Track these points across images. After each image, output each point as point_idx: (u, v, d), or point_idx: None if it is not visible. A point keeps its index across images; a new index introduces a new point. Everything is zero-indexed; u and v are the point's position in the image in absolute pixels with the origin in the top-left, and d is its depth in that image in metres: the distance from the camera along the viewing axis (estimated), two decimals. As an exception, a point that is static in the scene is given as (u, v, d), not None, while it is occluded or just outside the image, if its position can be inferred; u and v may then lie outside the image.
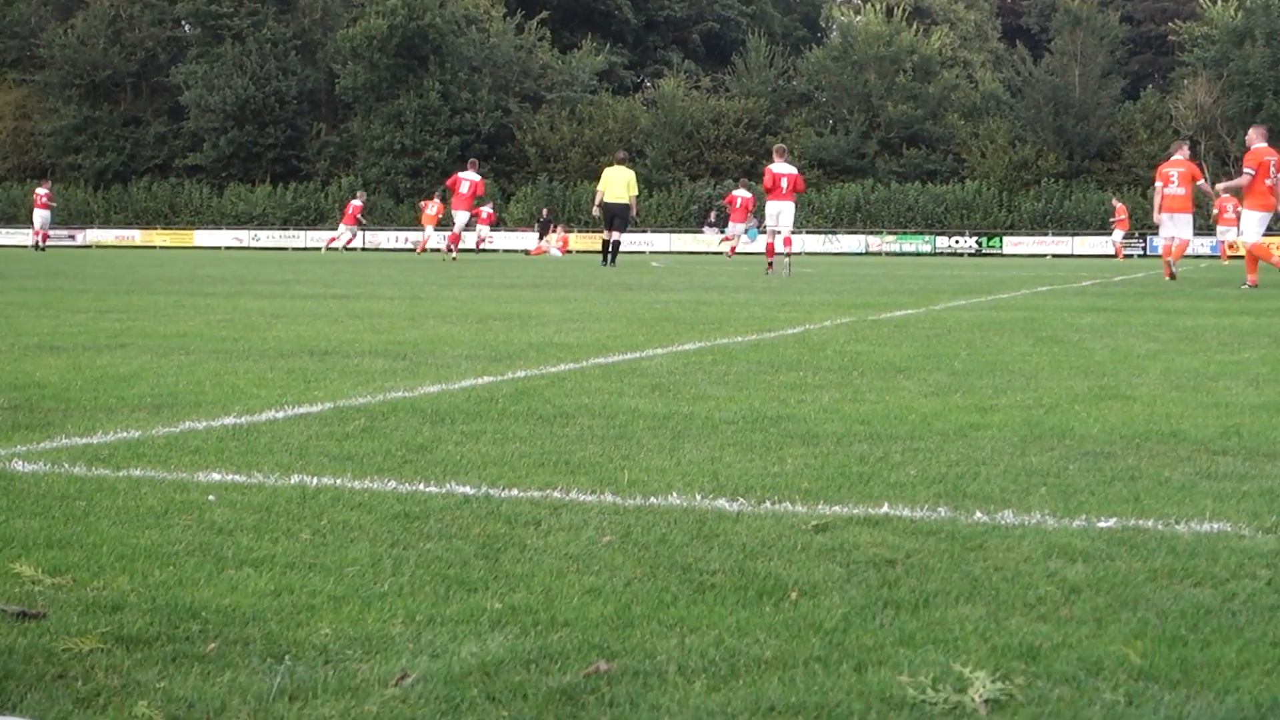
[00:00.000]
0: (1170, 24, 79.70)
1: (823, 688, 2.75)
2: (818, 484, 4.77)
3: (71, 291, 18.26)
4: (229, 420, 6.15)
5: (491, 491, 4.60)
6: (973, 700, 2.70)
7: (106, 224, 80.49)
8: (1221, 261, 43.18)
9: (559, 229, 61.26)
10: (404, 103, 77.74)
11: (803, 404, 6.83)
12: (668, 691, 2.74)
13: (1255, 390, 7.55)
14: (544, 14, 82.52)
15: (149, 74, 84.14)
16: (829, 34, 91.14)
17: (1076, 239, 68.62)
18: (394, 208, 79.50)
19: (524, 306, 15.24)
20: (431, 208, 53.92)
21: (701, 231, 72.51)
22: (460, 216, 39.75)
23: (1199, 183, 25.19)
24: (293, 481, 4.75)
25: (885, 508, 4.37)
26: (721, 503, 4.46)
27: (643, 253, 61.42)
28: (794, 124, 78.15)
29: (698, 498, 4.53)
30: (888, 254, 67.62)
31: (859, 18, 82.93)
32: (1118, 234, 52.32)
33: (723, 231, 69.47)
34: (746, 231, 50.54)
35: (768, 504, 4.45)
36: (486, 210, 54.58)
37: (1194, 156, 22.36)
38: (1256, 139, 22.35)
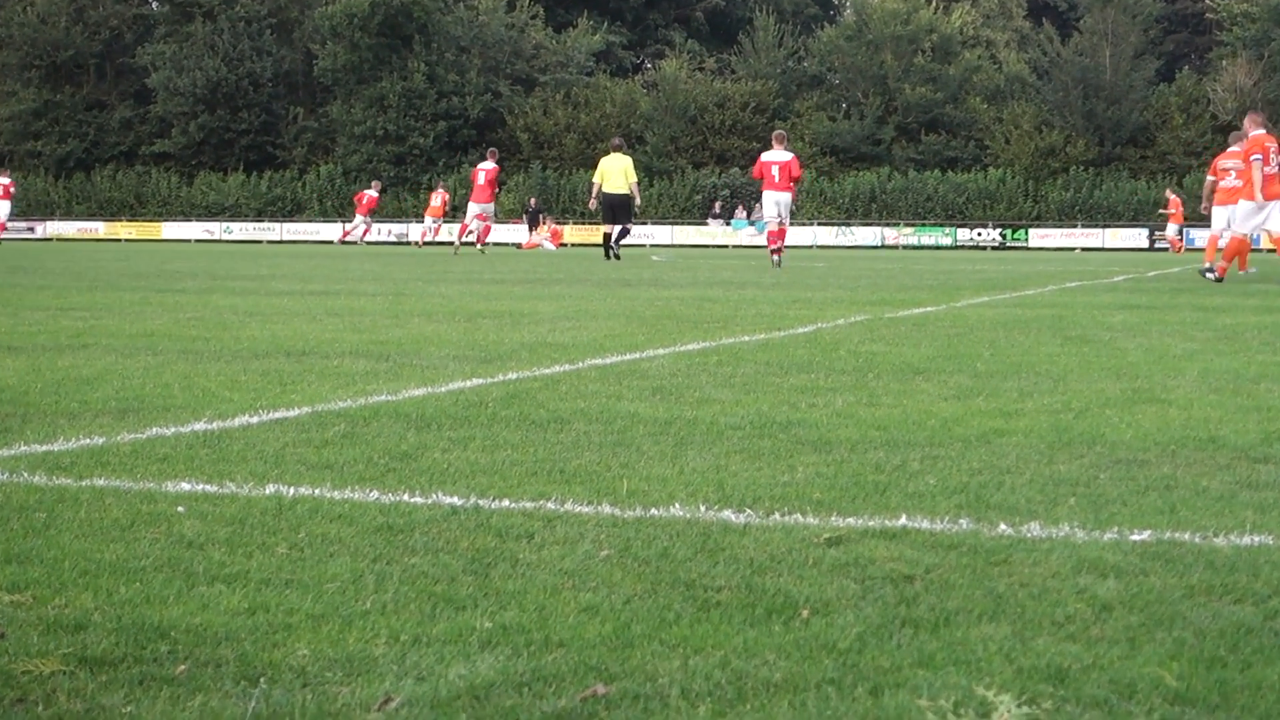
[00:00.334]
0: (1207, 1, 79.72)
1: (836, 712, 2.75)
2: (830, 494, 4.77)
3: (30, 288, 18.26)
4: (199, 426, 6.14)
5: (481, 502, 4.60)
6: (997, 726, 2.70)
7: (68, 215, 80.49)
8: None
9: (548, 221, 61.24)
10: (387, 85, 77.76)
11: (814, 408, 6.83)
12: (670, 717, 2.74)
13: (1299, 393, 7.55)
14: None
15: (113, 55, 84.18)
16: (842, 11, 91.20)
17: (1107, 231, 68.66)
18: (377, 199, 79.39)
19: (515, 304, 15.24)
20: (436, 199, 54.01)
21: (705, 223, 72.54)
22: (483, 208, 39.92)
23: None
24: (268, 492, 4.75)
25: (903, 519, 4.37)
26: (727, 514, 4.46)
27: (643, 246, 61.42)
28: (805, 108, 78.19)
29: (702, 509, 4.53)
30: (905, 247, 67.62)
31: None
32: (1172, 228, 52.34)
33: (727, 223, 69.57)
34: (754, 224, 50.92)
35: (777, 515, 4.44)
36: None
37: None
38: (1253, 126, 22.46)
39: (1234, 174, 24.22)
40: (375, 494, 4.73)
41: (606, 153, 34.25)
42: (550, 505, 4.57)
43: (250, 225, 77.25)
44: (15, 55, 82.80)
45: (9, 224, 55.49)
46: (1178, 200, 52.26)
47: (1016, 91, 76.89)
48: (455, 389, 7.53)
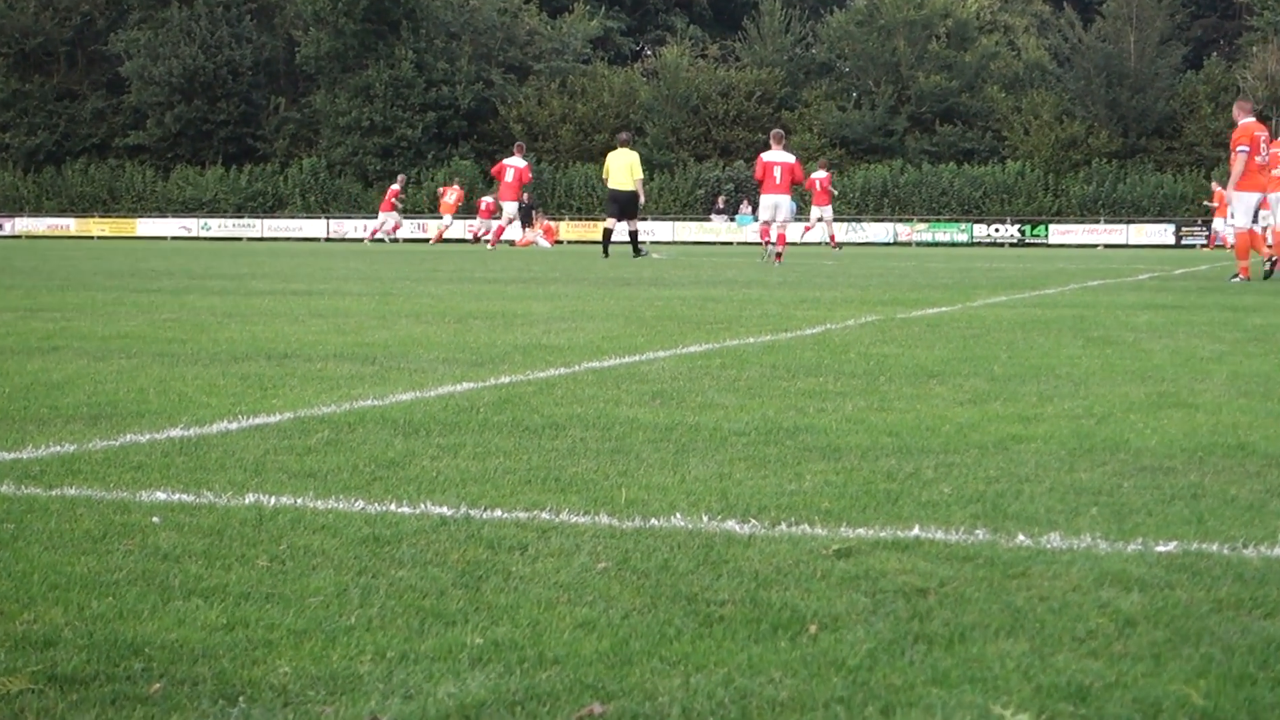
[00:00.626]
0: (1237, -16, 79.77)
1: (845, 733, 2.75)
2: (840, 504, 4.77)
3: (-2, 287, 18.26)
4: (175, 433, 6.14)
5: (472, 512, 4.60)
6: (1014, 747, 2.70)
7: (38, 211, 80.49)
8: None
9: (541, 216, 61.22)
10: (373, 74, 77.77)
11: (823, 413, 6.83)
12: (671, 737, 2.74)
13: (1333, 397, 7.55)
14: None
15: (85, 42, 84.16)
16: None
17: (1132, 227, 68.68)
18: (362, 192, 79.52)
19: (508, 304, 15.24)
20: (450, 195, 54.08)
21: (709, 219, 72.53)
22: (509, 207, 40.00)
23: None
24: (248, 501, 4.75)
25: (916, 530, 4.37)
26: (731, 525, 4.46)
27: (642, 243, 61.35)
28: (813, 97, 78.20)
29: (704, 519, 4.53)
30: (919, 244, 67.62)
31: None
32: (1219, 223, 52.37)
33: (731, 219, 69.57)
34: (735, 219, 51.54)
35: (783, 526, 4.45)
36: (486, 201, 54.83)
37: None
38: (1242, 114, 22.55)
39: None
40: (360, 504, 4.73)
41: (614, 147, 34.38)
42: (545, 515, 4.57)
43: (229, 221, 77.25)
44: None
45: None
46: (1223, 194, 52.25)
47: (1036, 80, 76.90)
48: (445, 393, 7.53)
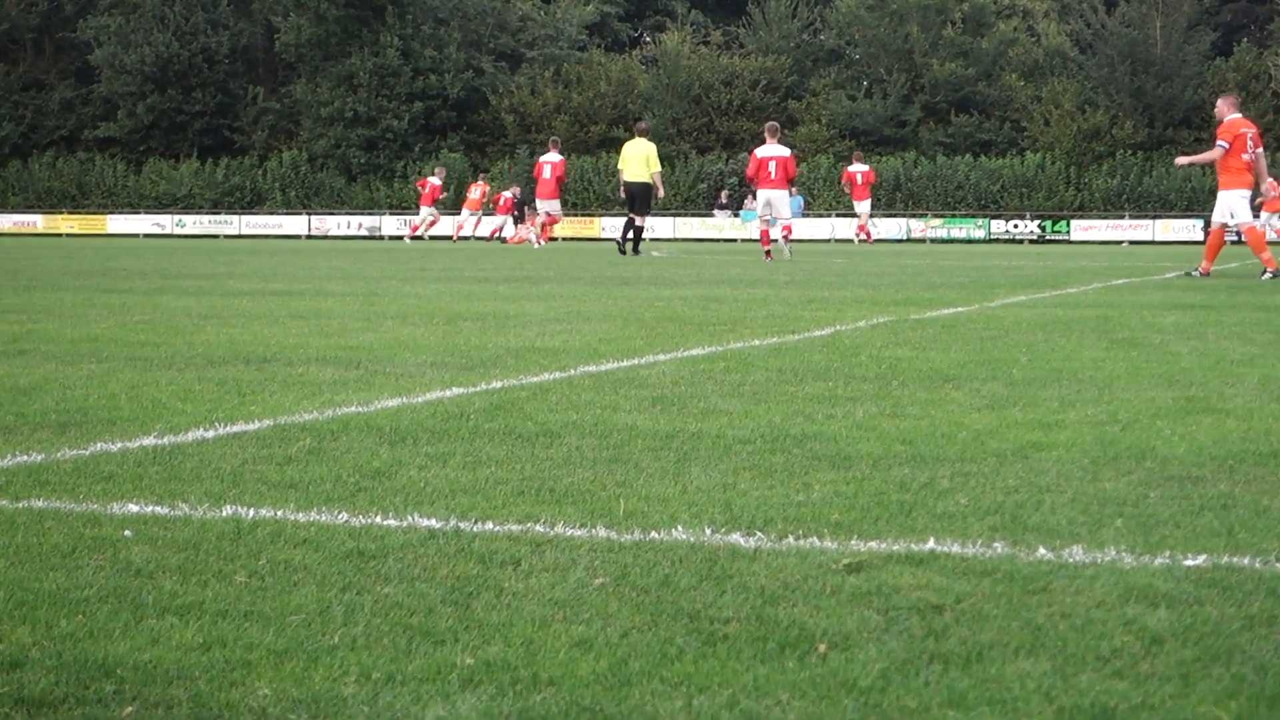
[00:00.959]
0: (1269, -34, 79.80)
1: (857, 758, 2.76)
2: (850, 515, 4.77)
3: (-39, 288, 18.26)
4: (149, 441, 6.15)
5: (461, 525, 4.61)
6: (1035, 772, 2.70)
7: (2, 208, 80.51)
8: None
9: (534, 213, 61.25)
10: (356, 62, 77.76)
11: (832, 420, 6.83)
12: (672, 763, 2.75)
13: (1371, 402, 7.55)
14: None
15: (52, 28, 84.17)
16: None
17: (1158, 222, 68.69)
18: (345, 187, 79.53)
19: (500, 304, 15.24)
20: (475, 190, 54.17)
21: (711, 215, 72.56)
22: (550, 205, 40.18)
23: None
24: (225, 514, 4.75)
25: (931, 543, 4.38)
26: (736, 538, 4.46)
27: (642, 239, 61.35)
28: (821, 86, 78.20)
29: (707, 532, 4.53)
30: (933, 241, 67.64)
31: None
32: (1268, 217, 52.35)
33: (735, 214, 69.62)
34: (740, 215, 51.99)
35: (791, 539, 4.45)
36: (505, 196, 54.96)
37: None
38: (1228, 109, 22.84)
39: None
40: (344, 516, 4.73)
41: (631, 138, 34.72)
42: (539, 528, 4.57)
43: (205, 218, 77.26)
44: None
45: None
46: (1276, 183, 52.18)
47: (1057, 67, 76.89)
48: (433, 399, 7.53)
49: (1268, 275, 22.10)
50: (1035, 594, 3.84)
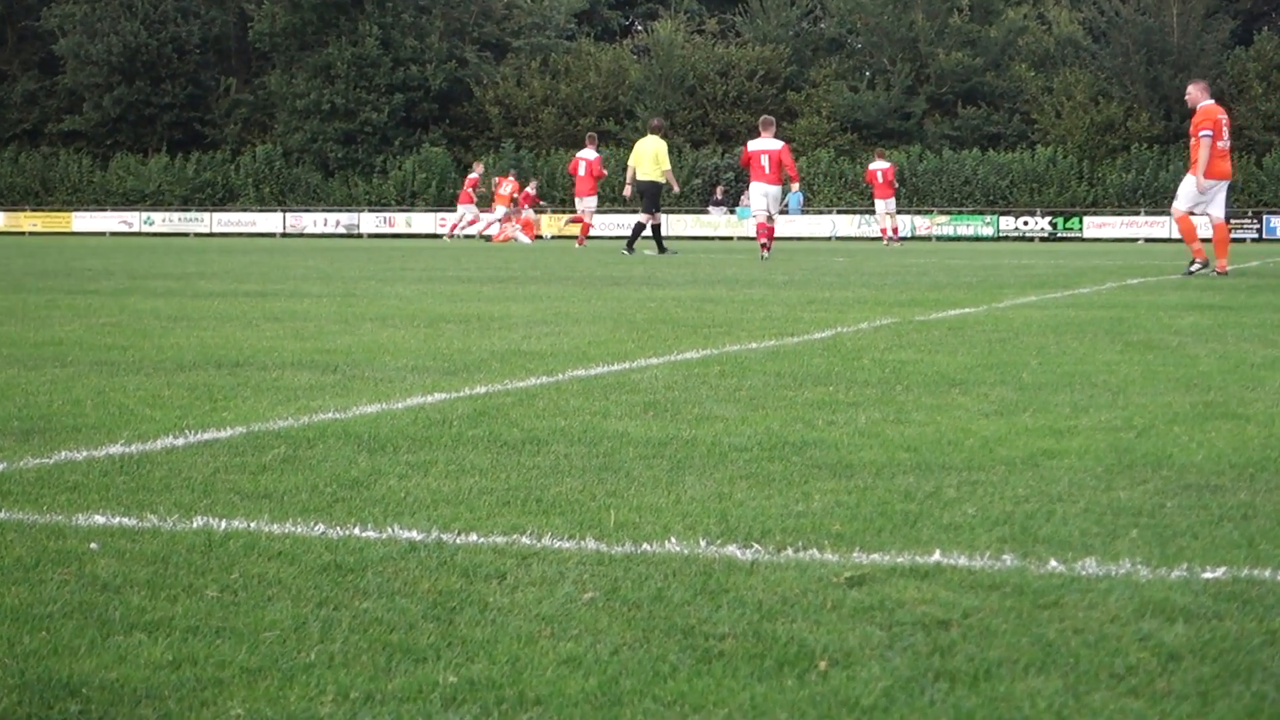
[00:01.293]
0: (1291, -49, 79.90)
1: (859, 780, 2.76)
2: (852, 526, 4.77)
3: (-82, 289, 18.24)
4: (115, 449, 6.14)
5: (444, 537, 4.60)
6: (1046, 795, 2.70)
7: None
8: None
9: (518, 209, 61.27)
10: (334, 52, 77.75)
11: (833, 426, 6.84)
12: (665, 786, 2.75)
13: (1398, 407, 7.56)
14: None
15: (14, 17, 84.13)
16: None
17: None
18: (322, 183, 79.50)
19: (484, 306, 15.24)
20: (506, 186, 54.23)
21: (706, 211, 72.60)
22: (587, 203, 40.39)
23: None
24: (196, 525, 4.74)
25: (937, 556, 4.38)
26: (732, 550, 4.46)
27: (623, 238, 61.36)
28: (821, 77, 78.25)
29: (702, 544, 4.53)
30: (939, 238, 67.70)
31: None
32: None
33: (731, 211, 69.66)
34: (736, 211, 52.37)
35: (789, 552, 4.45)
36: (527, 191, 55.02)
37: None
38: (1202, 95, 23.05)
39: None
40: (321, 528, 4.72)
41: (644, 134, 35.19)
42: (525, 540, 4.57)
43: (175, 215, 77.23)
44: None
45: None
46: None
47: (1069, 57, 76.95)
48: (414, 405, 7.53)
49: (1196, 266, 22.84)
50: (1046, 609, 3.85)
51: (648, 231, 35.00)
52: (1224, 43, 74.94)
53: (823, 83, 77.90)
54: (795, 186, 32.13)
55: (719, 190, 73.36)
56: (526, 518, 4.88)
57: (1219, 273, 22.79)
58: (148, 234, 74.06)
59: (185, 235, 72.52)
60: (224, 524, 4.76)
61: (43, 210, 78.99)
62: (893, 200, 49.66)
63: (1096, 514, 4.95)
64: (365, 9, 77.85)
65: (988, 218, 70.46)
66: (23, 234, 73.31)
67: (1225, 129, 22.97)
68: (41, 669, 3.34)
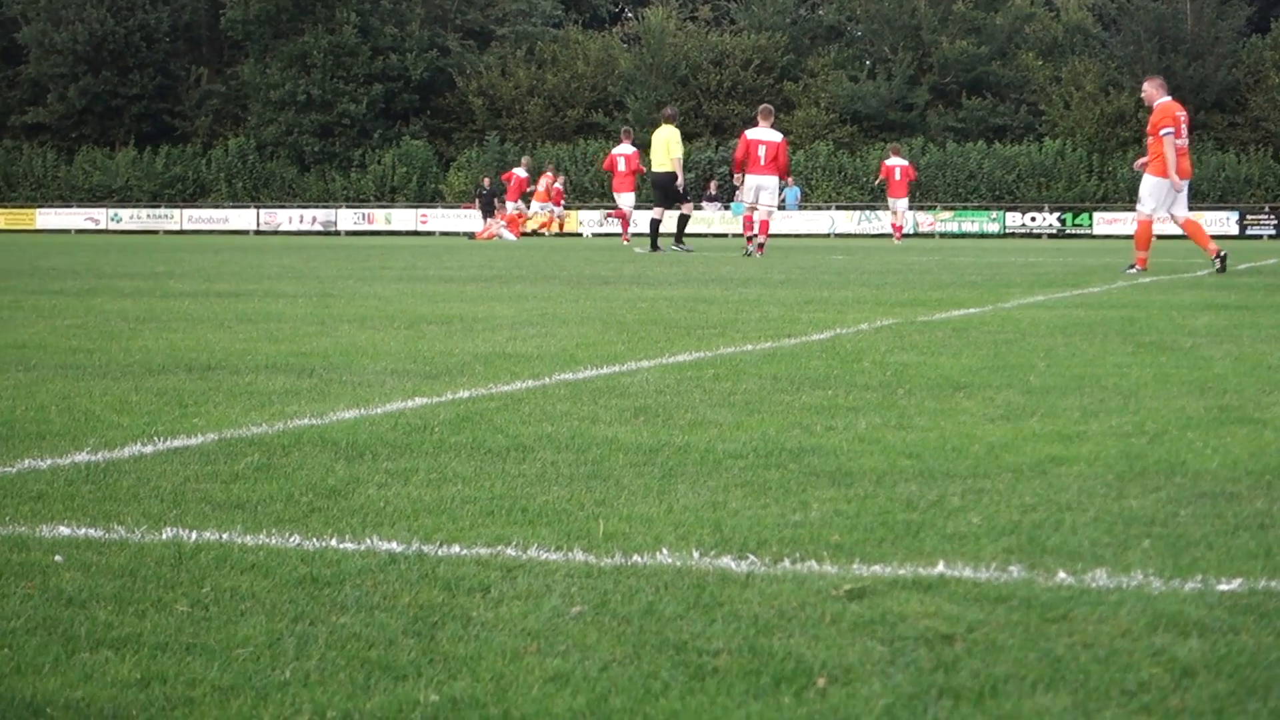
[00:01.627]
0: (1309, -66, 79.97)
1: (859, 802, 2.76)
2: (852, 537, 4.78)
3: (-126, 289, 18.22)
4: (81, 457, 6.14)
5: (425, 549, 4.60)
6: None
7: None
8: None
9: (502, 205, 61.26)
10: (310, 40, 77.74)
11: (832, 432, 6.84)
12: (657, 809, 2.75)
13: None
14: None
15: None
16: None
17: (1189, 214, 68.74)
18: (297, 177, 79.47)
19: (467, 306, 15.24)
20: (542, 182, 54.36)
21: (700, 207, 72.61)
22: (625, 199, 40.56)
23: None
24: (165, 537, 4.74)
25: (940, 567, 4.38)
26: (726, 562, 4.46)
27: (615, 235, 61.37)
28: (820, 66, 78.27)
29: (695, 555, 4.53)
30: (943, 235, 67.74)
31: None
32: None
33: (726, 206, 69.67)
34: (730, 207, 52.60)
35: (786, 563, 4.45)
36: (555, 188, 55.07)
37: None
38: (1159, 92, 23.38)
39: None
40: (296, 539, 4.72)
41: (657, 125, 35.73)
42: (510, 552, 4.57)
43: (143, 212, 77.17)
44: None
45: None
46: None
47: (1078, 45, 77.02)
48: (394, 410, 7.53)
49: (1133, 270, 23.34)
50: (1054, 622, 3.85)
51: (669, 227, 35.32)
52: (1240, 30, 75.02)
53: (821, 72, 77.93)
54: (790, 180, 32.36)
55: (712, 185, 73.35)
56: (511, 528, 4.88)
57: (1219, 260, 23.29)
58: (115, 231, 73.99)
59: (154, 233, 72.45)
60: (195, 535, 4.75)
61: (5, 207, 78.92)
62: (906, 200, 49.89)
63: (1107, 523, 4.96)
64: (343, -5, 77.85)
65: (993, 213, 70.48)
66: (-16, 231, 73.23)
67: (1184, 127, 23.30)
68: (4, 687, 3.34)
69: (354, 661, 3.53)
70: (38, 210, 77.96)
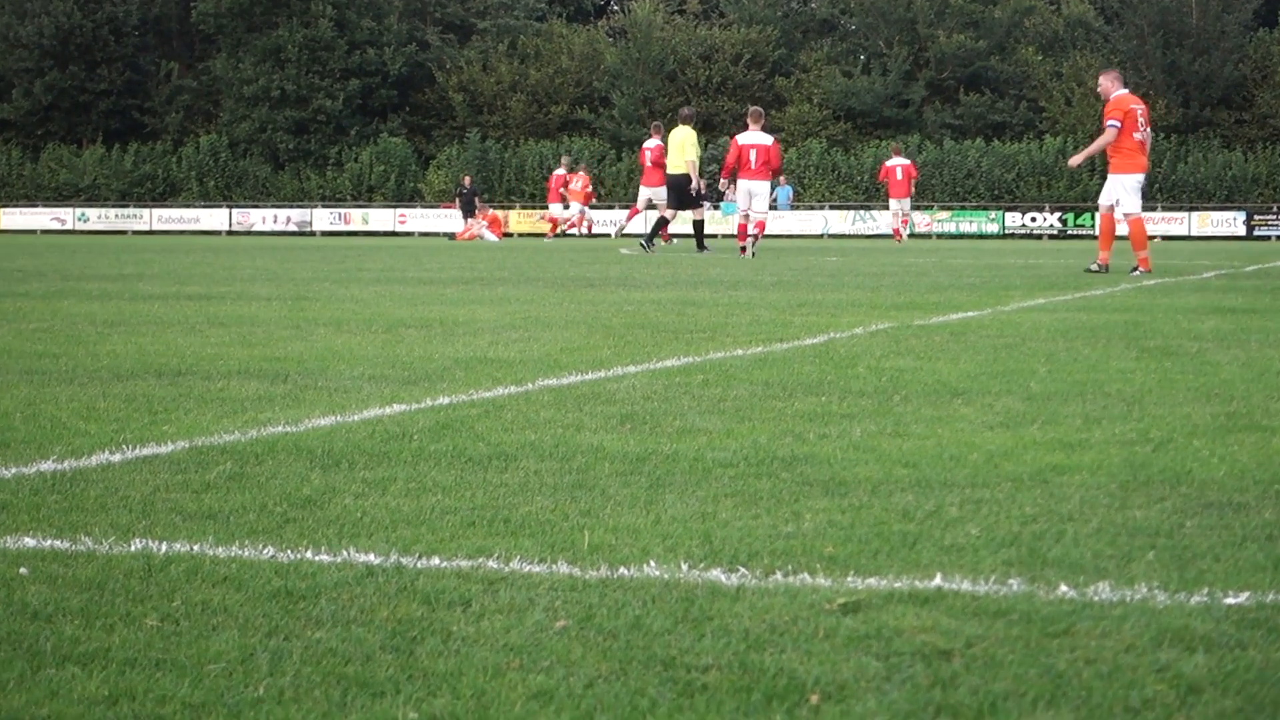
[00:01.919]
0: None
1: (854, 824, 2.76)
2: (846, 548, 4.78)
3: None
4: (47, 466, 6.13)
5: (404, 561, 4.60)
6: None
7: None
8: None
9: (484, 204, 61.27)
10: (284, 34, 77.73)
11: (826, 440, 6.84)
12: (644, 830, 2.75)
13: None
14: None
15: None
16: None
17: (1195, 215, 68.93)
18: (271, 176, 79.44)
19: (448, 309, 15.23)
20: (577, 181, 54.43)
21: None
22: (657, 193, 40.76)
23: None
24: (134, 549, 4.73)
25: (938, 580, 4.38)
26: (716, 574, 4.46)
27: (607, 235, 61.42)
28: (812, 61, 78.37)
29: (684, 568, 4.53)
30: (940, 236, 67.81)
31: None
32: None
33: (716, 207, 69.69)
34: (719, 206, 52.81)
35: (778, 576, 4.45)
36: (584, 185, 55.11)
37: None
38: (1114, 85, 23.59)
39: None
40: (270, 551, 4.72)
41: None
42: (492, 564, 4.57)
43: (111, 211, 77.14)
44: None
45: None
46: None
47: (1079, 39, 77.14)
48: (371, 417, 7.53)
49: (1137, 273, 23.44)
50: (1056, 637, 3.85)
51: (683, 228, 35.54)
52: (1247, 24, 75.17)
53: (814, 67, 78.03)
54: (782, 180, 32.50)
55: (702, 184, 73.34)
56: (493, 540, 4.88)
57: (1143, 270, 23.53)
58: (82, 232, 73.93)
59: (123, 233, 72.41)
60: (165, 547, 4.75)
61: (-33, 206, 78.86)
62: (908, 200, 50.15)
63: (1110, 535, 4.96)
64: (318, -13, 77.83)
65: (992, 213, 70.60)
66: (-54, 232, 73.15)
67: (1142, 120, 23.46)
68: (-34, 705, 3.33)
69: (330, 678, 3.52)
70: (2, 210, 77.90)
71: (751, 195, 30.98)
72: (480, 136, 77.43)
